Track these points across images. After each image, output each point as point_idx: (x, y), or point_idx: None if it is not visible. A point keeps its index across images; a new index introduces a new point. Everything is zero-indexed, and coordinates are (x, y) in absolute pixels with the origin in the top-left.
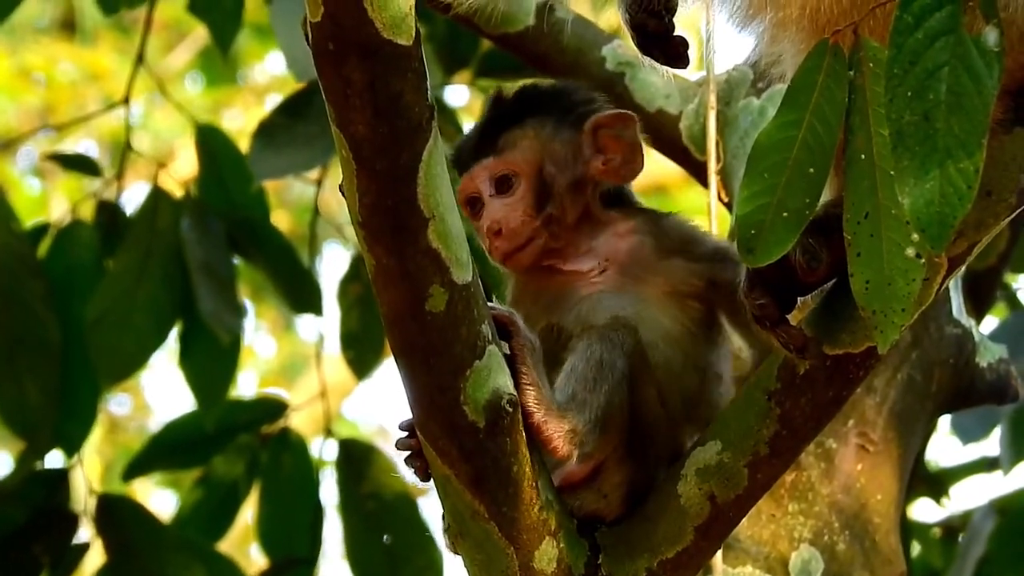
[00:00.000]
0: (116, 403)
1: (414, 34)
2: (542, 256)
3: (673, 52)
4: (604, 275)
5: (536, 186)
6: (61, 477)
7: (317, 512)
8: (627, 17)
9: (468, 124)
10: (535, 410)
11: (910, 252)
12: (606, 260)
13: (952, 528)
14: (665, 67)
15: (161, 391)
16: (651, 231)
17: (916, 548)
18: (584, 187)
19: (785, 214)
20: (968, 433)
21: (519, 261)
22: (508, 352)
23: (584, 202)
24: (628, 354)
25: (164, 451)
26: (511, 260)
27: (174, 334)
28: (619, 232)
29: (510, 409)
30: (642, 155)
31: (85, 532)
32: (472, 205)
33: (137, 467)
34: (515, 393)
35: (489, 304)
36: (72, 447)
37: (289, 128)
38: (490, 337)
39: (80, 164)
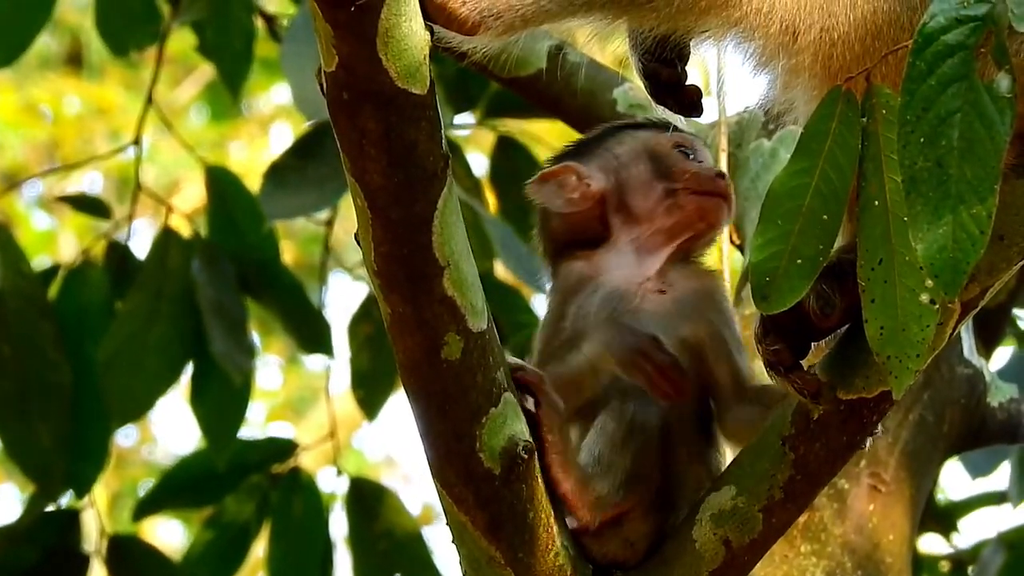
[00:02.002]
0: (122, 435)
1: (428, 83)
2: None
3: (686, 101)
4: (660, 296)
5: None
6: (72, 517)
7: (327, 552)
8: (639, 66)
9: (478, 159)
10: (561, 479)
11: (924, 298)
12: (670, 285)
13: (961, 561)
14: (679, 115)
15: (168, 423)
16: (717, 289)
17: None
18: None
19: (799, 261)
20: (977, 467)
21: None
22: (533, 410)
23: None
24: (663, 414)
25: (174, 491)
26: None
27: (185, 374)
28: (696, 272)
29: (526, 456)
30: None
31: (97, 573)
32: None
33: (147, 506)
34: (531, 440)
35: (516, 362)
36: (83, 488)
37: (300, 169)
38: (505, 384)
39: (90, 206)
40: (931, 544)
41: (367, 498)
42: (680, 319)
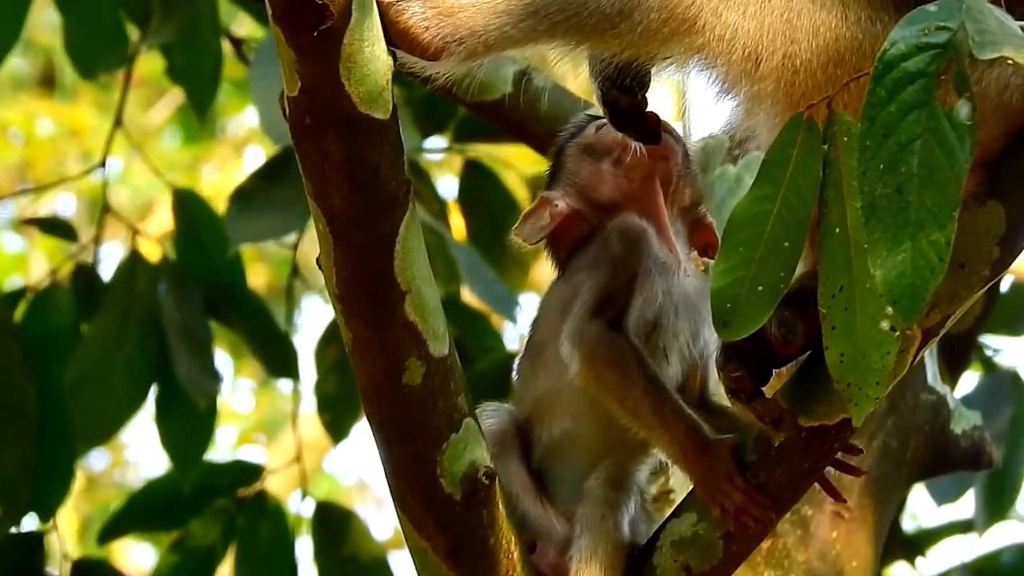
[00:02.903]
0: (94, 458)
1: (391, 108)
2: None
3: (645, 128)
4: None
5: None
6: (37, 540)
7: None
8: (599, 94)
9: (448, 183)
10: None
11: (884, 325)
12: (688, 274)
13: None
14: (638, 143)
15: (139, 446)
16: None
17: None
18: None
19: (760, 288)
20: (943, 495)
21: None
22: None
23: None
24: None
25: (140, 514)
26: None
27: (151, 397)
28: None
29: (487, 481)
30: None
31: None
32: None
33: (113, 529)
34: (492, 466)
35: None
36: (48, 511)
37: (266, 192)
38: (467, 410)
39: (57, 228)
40: (899, 572)
41: (333, 522)
42: (702, 311)
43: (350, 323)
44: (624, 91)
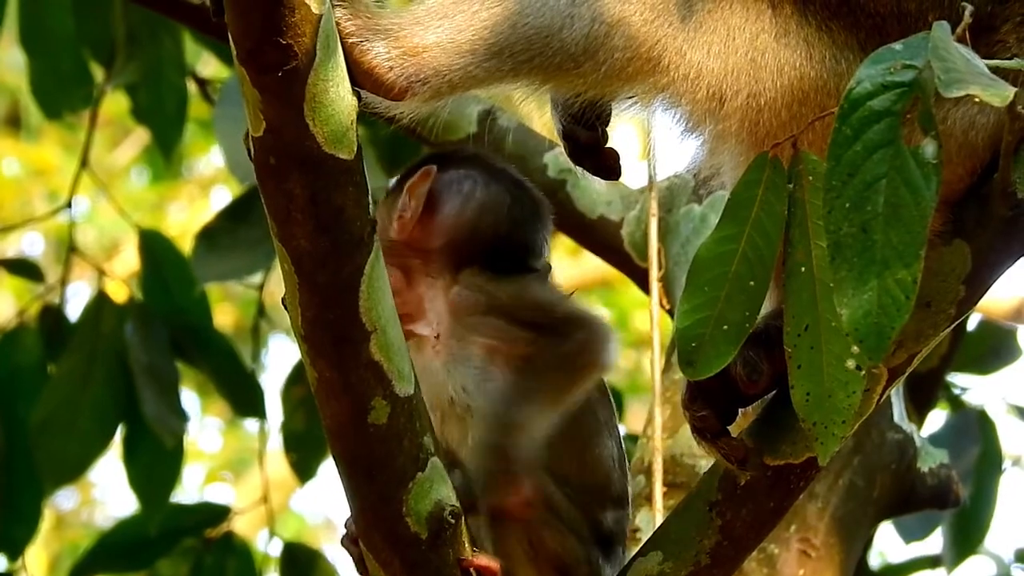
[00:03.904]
0: (62, 497)
1: (356, 148)
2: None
3: (603, 164)
4: (439, 341)
5: None
6: None
7: None
8: (560, 127)
9: None
10: None
11: (850, 364)
12: (437, 323)
13: None
14: (595, 178)
15: (108, 485)
16: (484, 288)
17: None
18: (397, 248)
19: (725, 327)
20: (910, 532)
21: None
22: None
23: (404, 264)
24: None
25: (108, 555)
26: None
27: (118, 437)
28: (446, 290)
29: (452, 521)
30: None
31: None
32: None
33: (81, 572)
34: (458, 505)
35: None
36: (16, 551)
37: (231, 232)
38: (432, 449)
39: (24, 269)
40: None
41: (300, 562)
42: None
43: (315, 363)
44: (585, 126)
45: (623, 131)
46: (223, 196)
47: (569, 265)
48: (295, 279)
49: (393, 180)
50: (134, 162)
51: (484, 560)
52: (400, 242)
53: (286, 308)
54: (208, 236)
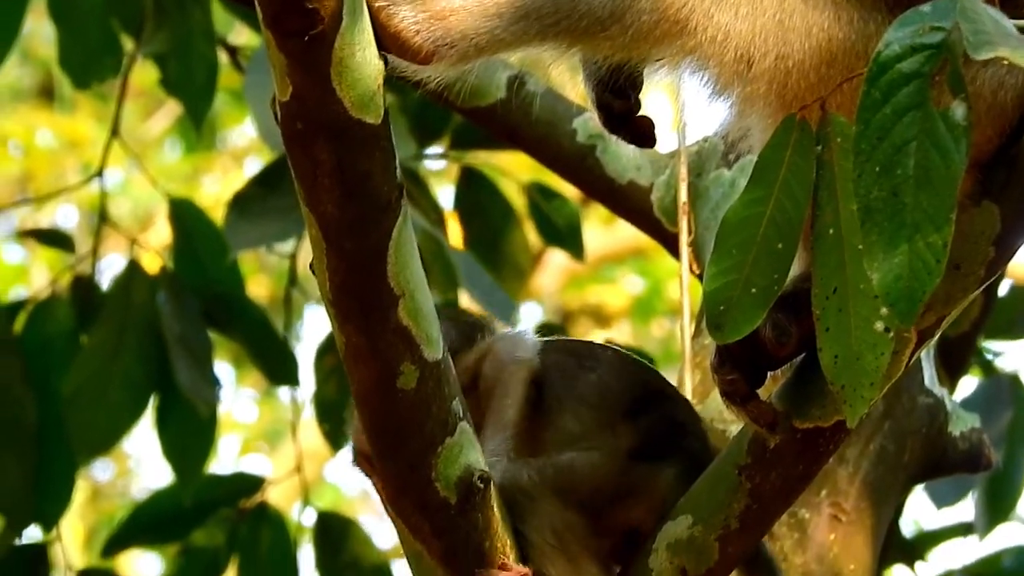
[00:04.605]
0: (98, 469)
1: (382, 113)
2: None
3: (638, 132)
4: None
5: None
6: (40, 552)
7: None
8: (593, 96)
9: (443, 192)
10: None
11: (879, 327)
12: None
13: None
14: (631, 146)
15: (144, 457)
16: None
17: None
18: None
19: (753, 291)
20: (942, 498)
21: None
22: None
23: None
24: None
25: (143, 527)
26: None
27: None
28: None
29: (481, 485)
30: None
31: None
32: None
33: (116, 543)
34: (486, 469)
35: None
36: (50, 522)
37: (263, 199)
38: (461, 414)
39: (55, 240)
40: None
41: (334, 531)
42: None
43: (344, 328)
44: (617, 94)
45: (655, 96)
46: (257, 167)
47: (602, 234)
48: (323, 244)
49: None
50: (167, 133)
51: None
52: None
53: (314, 273)
54: (239, 203)
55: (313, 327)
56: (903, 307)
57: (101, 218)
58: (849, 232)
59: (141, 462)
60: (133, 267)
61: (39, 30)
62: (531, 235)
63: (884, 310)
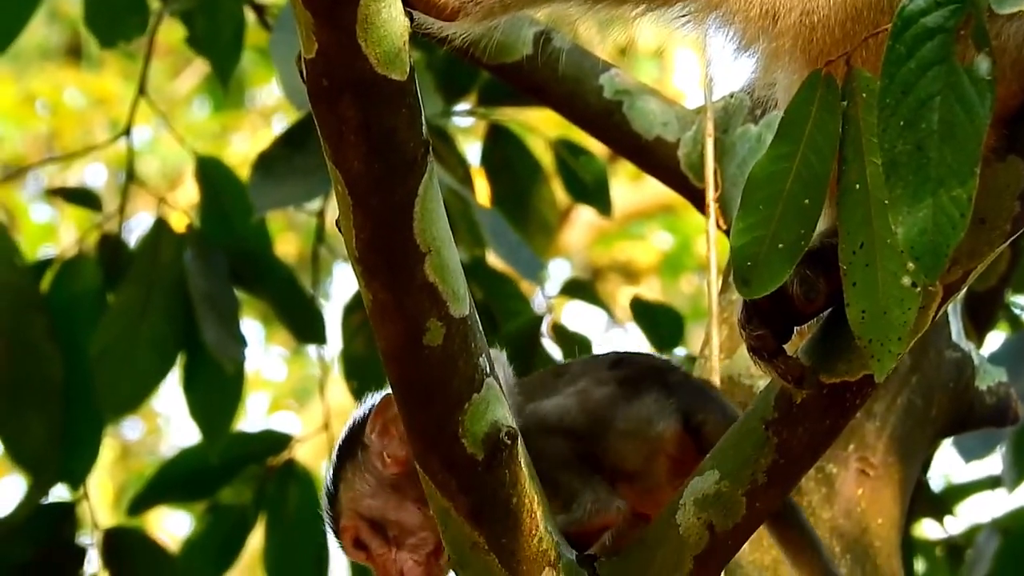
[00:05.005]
0: (127, 427)
1: (408, 69)
2: (434, 561)
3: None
4: None
5: (369, 530)
6: (67, 511)
7: (323, 541)
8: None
9: (471, 150)
10: None
11: (905, 281)
12: None
13: (956, 546)
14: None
15: (173, 415)
16: None
17: (923, 566)
18: (401, 487)
19: (780, 246)
20: (970, 452)
21: None
22: None
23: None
24: None
25: (170, 485)
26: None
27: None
28: None
29: (508, 442)
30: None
31: (94, 565)
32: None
33: (143, 501)
34: (513, 425)
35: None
36: (77, 480)
37: (288, 159)
38: (488, 370)
39: (82, 198)
40: (927, 530)
41: None
42: None
43: (370, 285)
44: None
45: (683, 54)
46: (285, 125)
47: (630, 191)
48: (349, 201)
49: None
50: (195, 92)
51: None
52: (403, 474)
53: (340, 231)
54: (265, 163)
55: (341, 285)
56: (928, 261)
57: (128, 177)
58: (875, 187)
59: (170, 420)
60: (160, 225)
61: None
62: (558, 192)
63: (910, 264)
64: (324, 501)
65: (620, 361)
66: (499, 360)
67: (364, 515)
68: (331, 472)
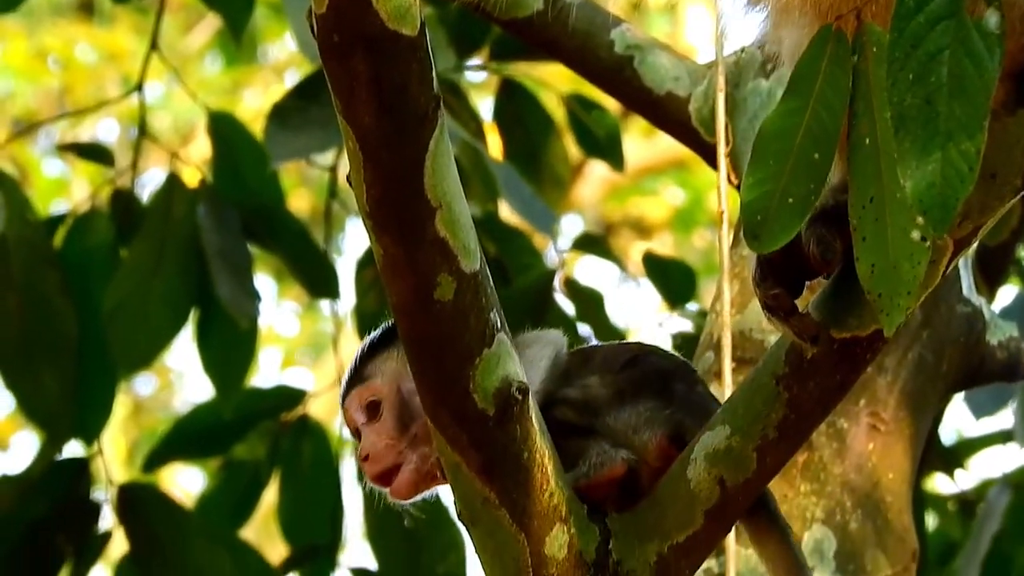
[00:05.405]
0: (140, 383)
1: (419, 24)
2: (422, 481)
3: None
4: None
5: (398, 408)
6: (82, 466)
7: (338, 497)
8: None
9: (484, 105)
10: None
11: (915, 235)
12: None
13: (968, 501)
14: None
15: (186, 371)
16: None
17: (934, 521)
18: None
19: (790, 200)
20: (981, 407)
21: (398, 488)
22: None
23: None
24: None
25: (184, 441)
26: (388, 485)
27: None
28: None
29: (519, 397)
30: None
31: (108, 521)
32: (357, 436)
33: (157, 457)
34: (524, 380)
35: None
36: (90, 436)
37: (303, 110)
38: (499, 325)
39: (94, 153)
40: (939, 484)
41: None
42: None
43: (381, 240)
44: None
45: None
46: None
47: (642, 146)
48: (360, 157)
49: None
50: (208, 47)
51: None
52: None
53: (351, 186)
54: (279, 115)
55: (354, 240)
56: (936, 215)
57: (141, 132)
58: (885, 141)
59: (183, 376)
60: (173, 181)
61: None
62: (571, 147)
63: (919, 219)
64: (364, 348)
65: (634, 360)
66: (553, 340)
67: (402, 393)
68: (385, 334)
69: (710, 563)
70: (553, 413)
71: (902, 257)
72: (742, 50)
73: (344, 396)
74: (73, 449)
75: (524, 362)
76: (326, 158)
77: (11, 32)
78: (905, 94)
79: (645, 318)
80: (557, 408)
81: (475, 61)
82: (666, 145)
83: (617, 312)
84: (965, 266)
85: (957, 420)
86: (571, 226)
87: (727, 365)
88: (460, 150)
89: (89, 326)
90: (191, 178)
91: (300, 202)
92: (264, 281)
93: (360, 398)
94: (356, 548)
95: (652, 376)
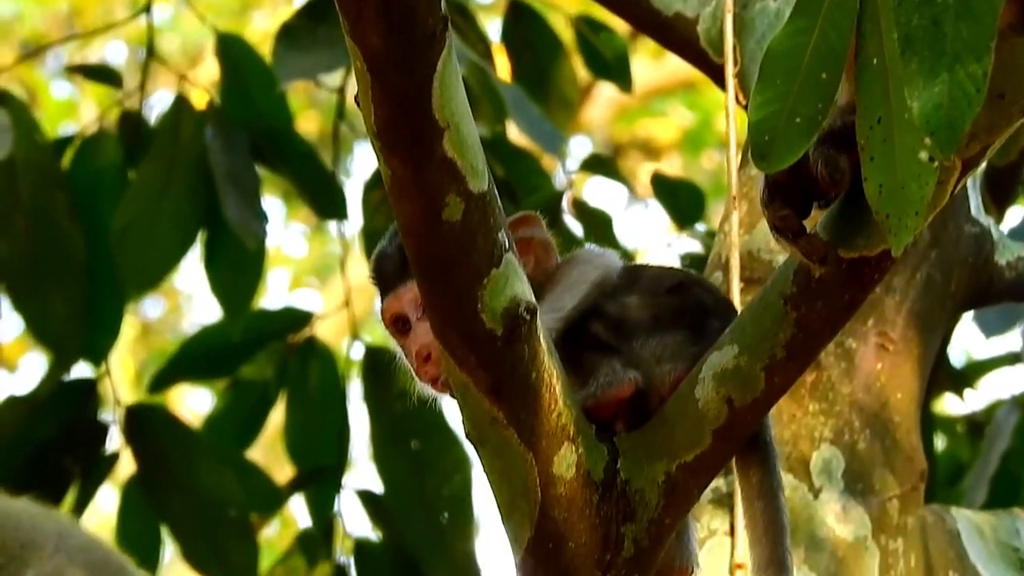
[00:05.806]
0: (148, 306)
1: None
2: None
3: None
4: None
5: None
6: (90, 388)
7: (344, 417)
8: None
9: (492, 27)
10: None
11: (923, 156)
12: None
13: (977, 422)
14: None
15: (194, 292)
16: None
17: (943, 442)
18: None
19: (798, 120)
20: (990, 327)
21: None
22: None
23: None
24: None
25: (190, 362)
26: (443, 387)
27: (199, 243)
28: None
29: (527, 317)
30: (554, 251)
31: (115, 441)
32: (397, 324)
33: (165, 378)
34: (532, 300)
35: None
36: (98, 357)
37: (311, 30)
38: (507, 245)
39: (102, 75)
40: (948, 405)
41: (382, 365)
42: None
43: (389, 161)
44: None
45: None
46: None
47: (651, 67)
48: (368, 77)
49: None
50: None
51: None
52: None
53: (359, 107)
54: (288, 34)
55: (362, 161)
56: (943, 136)
57: (149, 54)
58: (893, 62)
59: (191, 298)
60: (181, 103)
61: None
62: (579, 68)
63: (926, 139)
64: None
65: (679, 287)
66: (603, 263)
67: None
68: None
69: (718, 482)
70: (587, 324)
71: (910, 177)
72: None
73: (397, 284)
74: (81, 370)
75: (566, 280)
76: (334, 79)
77: None
78: (912, 15)
79: (654, 239)
80: (592, 320)
81: None
82: (674, 66)
83: (626, 233)
84: (973, 186)
85: (966, 341)
86: (579, 147)
87: (735, 285)
88: (468, 71)
89: (97, 248)
90: (199, 100)
91: (308, 124)
92: (272, 202)
93: (415, 291)
94: (362, 470)
95: (691, 308)
